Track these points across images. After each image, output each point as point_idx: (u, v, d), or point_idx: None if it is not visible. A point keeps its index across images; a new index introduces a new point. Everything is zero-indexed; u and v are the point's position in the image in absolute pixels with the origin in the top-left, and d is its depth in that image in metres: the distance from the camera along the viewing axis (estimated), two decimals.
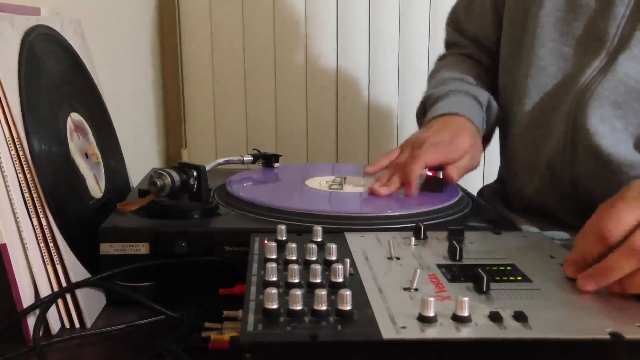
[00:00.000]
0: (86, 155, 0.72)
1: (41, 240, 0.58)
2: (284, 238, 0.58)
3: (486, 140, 0.98)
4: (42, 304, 0.56)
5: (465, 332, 0.41)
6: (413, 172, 0.77)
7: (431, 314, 0.42)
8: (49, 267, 0.58)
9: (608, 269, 0.47)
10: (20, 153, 0.57)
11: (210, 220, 0.69)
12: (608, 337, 0.40)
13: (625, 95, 0.77)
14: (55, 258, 0.58)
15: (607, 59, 0.79)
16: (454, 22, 1.05)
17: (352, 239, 0.61)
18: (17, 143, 0.57)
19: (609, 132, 0.78)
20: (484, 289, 0.47)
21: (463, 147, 0.82)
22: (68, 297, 0.59)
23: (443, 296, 0.47)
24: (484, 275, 0.48)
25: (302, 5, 1.45)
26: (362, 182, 0.84)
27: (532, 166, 0.87)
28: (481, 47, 1.01)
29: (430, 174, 0.89)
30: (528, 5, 0.87)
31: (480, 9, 0.99)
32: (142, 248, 0.64)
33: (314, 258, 0.53)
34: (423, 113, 0.94)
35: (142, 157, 1.32)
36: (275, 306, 0.43)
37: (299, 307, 0.43)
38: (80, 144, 0.71)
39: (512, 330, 0.41)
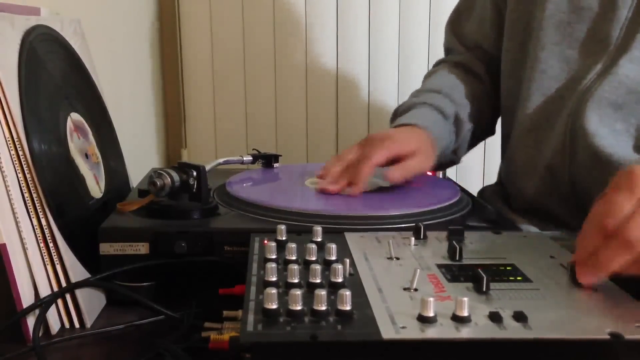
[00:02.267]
0: (86, 155, 0.72)
1: (41, 241, 0.58)
2: (283, 238, 0.58)
3: (458, 153, 0.98)
4: (42, 304, 0.56)
5: (465, 332, 0.41)
6: (362, 173, 0.77)
7: (431, 314, 0.42)
8: (49, 267, 0.58)
9: (604, 261, 0.47)
10: (20, 153, 0.57)
11: (210, 220, 0.69)
12: (608, 337, 0.40)
13: (625, 96, 0.77)
14: (55, 258, 0.58)
15: (608, 62, 0.79)
16: (454, 26, 1.05)
17: (352, 239, 0.60)
18: (17, 143, 0.57)
19: (609, 133, 0.78)
20: (484, 289, 0.47)
21: (412, 144, 0.82)
22: (68, 297, 0.59)
23: (443, 296, 0.47)
24: (483, 275, 0.48)
25: (302, 5, 1.45)
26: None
27: (533, 167, 0.87)
28: (478, 53, 1.01)
29: (430, 174, 0.89)
30: (531, 9, 0.87)
31: (481, 13, 0.99)
32: (142, 248, 0.64)
33: (314, 258, 0.53)
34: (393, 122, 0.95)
35: (142, 157, 1.32)
36: (275, 306, 0.43)
37: (299, 307, 0.43)
38: (80, 144, 0.71)
39: (512, 331, 0.41)
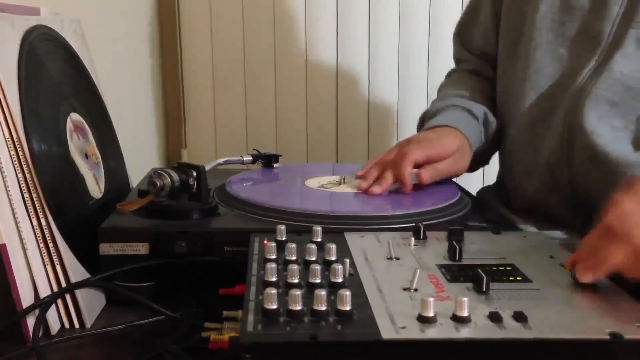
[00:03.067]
0: (86, 156, 0.72)
1: (41, 241, 0.58)
2: (283, 238, 0.58)
3: (487, 154, 0.99)
4: (41, 304, 0.56)
5: (465, 332, 0.41)
6: (404, 168, 0.78)
7: (431, 314, 0.42)
8: (49, 268, 0.58)
9: (603, 257, 0.48)
10: (20, 153, 0.57)
11: (210, 220, 0.69)
12: (608, 337, 0.41)
13: (622, 93, 0.77)
14: (55, 258, 0.58)
15: (602, 58, 0.79)
16: (461, 37, 1.06)
17: (351, 239, 0.61)
18: (17, 143, 0.57)
19: (607, 130, 0.78)
20: (484, 289, 0.47)
21: (448, 146, 0.84)
22: (68, 297, 0.59)
23: (443, 296, 0.47)
24: (483, 275, 0.48)
25: (302, 5, 1.45)
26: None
27: (531, 167, 0.87)
28: (487, 60, 1.01)
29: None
30: (524, 9, 0.88)
31: (484, 22, 1.00)
32: (142, 248, 0.64)
33: (314, 258, 0.53)
34: (421, 128, 0.95)
35: (142, 157, 1.31)
36: (275, 306, 0.43)
37: (299, 308, 0.43)
38: (80, 144, 0.71)
39: (512, 331, 0.41)
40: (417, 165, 0.81)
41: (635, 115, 0.78)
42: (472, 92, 0.97)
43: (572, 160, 0.81)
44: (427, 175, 0.81)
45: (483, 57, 1.02)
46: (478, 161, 0.98)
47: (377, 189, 0.78)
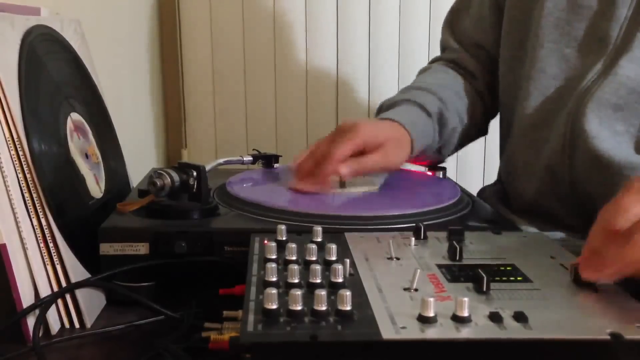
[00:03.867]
0: (86, 155, 0.72)
1: (41, 241, 0.58)
2: (284, 238, 0.58)
3: (447, 150, 0.97)
4: (42, 304, 0.56)
5: (465, 333, 0.41)
6: (324, 175, 0.77)
7: (431, 314, 0.42)
8: (49, 267, 0.58)
9: (608, 258, 0.47)
10: (20, 153, 0.57)
11: (210, 220, 0.69)
12: (608, 337, 0.40)
13: (627, 97, 0.77)
14: (55, 258, 0.58)
15: (608, 62, 0.78)
16: (450, 24, 1.05)
17: (352, 239, 0.60)
18: (17, 143, 0.57)
19: (609, 135, 0.78)
20: (484, 289, 0.47)
21: (379, 135, 0.80)
22: (68, 297, 0.59)
23: (443, 296, 0.47)
24: (484, 275, 0.48)
25: (302, 5, 1.45)
26: (360, 182, 0.84)
27: (532, 168, 0.87)
28: (474, 51, 1.01)
29: (430, 174, 0.89)
30: (530, 6, 0.87)
31: (478, 11, 0.99)
32: (142, 248, 0.64)
33: (314, 258, 0.53)
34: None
35: (142, 157, 1.32)
36: (275, 306, 0.43)
37: (299, 307, 0.43)
38: (80, 144, 0.71)
39: (512, 331, 0.41)
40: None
41: (639, 119, 0.77)
42: (437, 87, 0.94)
43: (573, 163, 0.81)
44: (348, 169, 0.78)
45: (471, 49, 1.01)
46: (434, 159, 0.97)
47: (299, 187, 0.78)
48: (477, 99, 0.98)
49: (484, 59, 1.00)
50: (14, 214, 0.56)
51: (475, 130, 1.00)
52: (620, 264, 0.47)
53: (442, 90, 0.94)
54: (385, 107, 0.93)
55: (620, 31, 0.78)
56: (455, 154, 1.04)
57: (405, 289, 0.48)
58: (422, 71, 1.05)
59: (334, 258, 0.53)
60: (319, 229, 0.58)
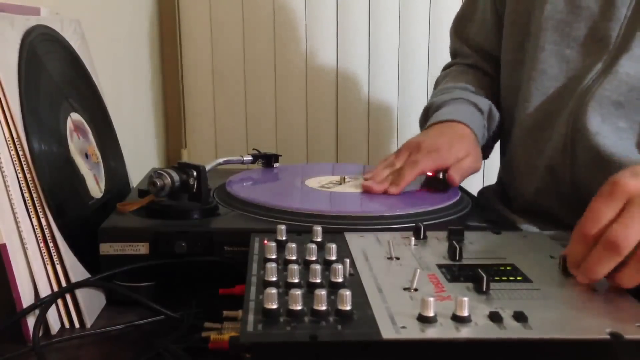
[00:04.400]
0: (86, 155, 0.72)
1: (41, 240, 0.58)
2: (283, 238, 0.58)
3: (489, 148, 0.99)
4: (42, 304, 0.56)
5: (465, 332, 0.41)
6: (406, 177, 0.78)
7: (431, 314, 0.42)
8: (49, 267, 0.58)
9: (591, 267, 0.48)
10: (20, 153, 0.57)
11: (210, 220, 0.69)
12: (608, 337, 0.40)
13: (627, 94, 0.77)
14: (55, 258, 0.58)
15: (609, 61, 0.79)
16: (458, 30, 1.06)
17: (352, 239, 0.60)
18: (17, 143, 0.57)
19: (611, 132, 0.78)
20: (484, 289, 0.47)
21: (459, 154, 0.83)
22: (68, 297, 0.59)
23: (443, 296, 0.47)
24: (483, 275, 0.48)
25: (302, 5, 1.45)
26: (361, 182, 0.84)
27: (533, 168, 0.87)
28: (485, 55, 1.01)
29: (430, 174, 0.89)
30: (530, 9, 0.87)
31: (482, 17, 1.00)
32: (142, 248, 0.64)
33: (314, 258, 0.53)
34: (425, 120, 0.95)
35: (142, 157, 1.32)
36: (275, 306, 0.43)
37: (299, 307, 0.43)
38: (80, 144, 0.71)
39: (512, 330, 0.41)
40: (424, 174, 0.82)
41: None
42: (474, 86, 0.96)
43: (575, 162, 0.81)
44: (458, 175, 0.81)
45: (480, 52, 1.02)
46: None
47: (375, 187, 0.78)
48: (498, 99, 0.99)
49: (494, 62, 1.00)
50: (14, 214, 0.56)
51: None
52: (604, 270, 0.47)
53: (479, 89, 0.96)
54: (435, 107, 0.94)
55: (620, 31, 0.78)
56: None
57: (405, 289, 0.48)
58: (445, 76, 1.05)
59: (334, 258, 0.53)
60: (319, 229, 0.59)
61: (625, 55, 0.77)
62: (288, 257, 0.53)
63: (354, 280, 0.50)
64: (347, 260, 0.52)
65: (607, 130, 0.78)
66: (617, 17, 0.78)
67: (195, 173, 0.70)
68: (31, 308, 0.56)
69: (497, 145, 1.01)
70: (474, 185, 1.09)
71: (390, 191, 0.78)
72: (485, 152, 0.98)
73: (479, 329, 0.41)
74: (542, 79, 0.85)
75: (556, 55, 0.83)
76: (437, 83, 1.06)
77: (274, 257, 0.53)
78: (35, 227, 0.57)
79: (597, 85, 0.78)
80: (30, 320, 0.56)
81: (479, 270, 0.49)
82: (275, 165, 0.95)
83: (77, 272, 0.61)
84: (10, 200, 0.55)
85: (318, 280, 0.48)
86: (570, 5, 0.82)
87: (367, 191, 0.79)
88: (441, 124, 0.88)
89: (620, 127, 0.78)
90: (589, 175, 0.79)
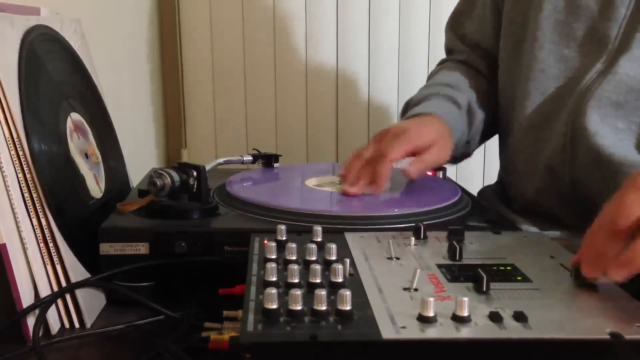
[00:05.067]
0: (86, 155, 0.72)
1: (41, 240, 0.58)
2: (283, 238, 0.58)
3: (471, 146, 0.98)
4: (42, 304, 0.56)
5: (465, 332, 0.41)
6: (382, 174, 0.76)
7: (431, 314, 0.42)
8: (49, 267, 0.58)
9: (630, 260, 0.45)
10: (20, 153, 0.57)
11: (210, 220, 0.69)
12: (608, 337, 0.40)
13: (626, 94, 0.77)
14: (55, 258, 0.58)
15: (608, 61, 0.78)
16: (454, 26, 1.05)
17: (352, 239, 0.60)
18: (17, 143, 0.57)
19: (610, 132, 0.78)
20: (484, 289, 0.47)
21: (427, 135, 0.81)
22: (68, 297, 0.59)
23: (443, 296, 0.47)
24: (483, 275, 0.48)
25: (302, 5, 1.45)
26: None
27: (532, 168, 0.87)
28: (480, 53, 1.01)
29: (430, 174, 0.89)
30: (528, 8, 0.87)
31: (481, 14, 0.99)
32: (142, 248, 0.64)
33: (314, 258, 0.53)
34: (403, 116, 0.95)
35: (142, 157, 1.32)
36: (275, 306, 0.43)
37: (299, 307, 0.43)
38: (80, 144, 0.71)
39: (512, 330, 0.41)
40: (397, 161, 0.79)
41: (639, 116, 0.77)
42: (459, 82, 0.96)
43: (574, 162, 0.81)
44: (415, 169, 0.79)
45: (476, 49, 1.01)
46: (462, 153, 0.98)
47: (353, 190, 0.76)
48: (490, 97, 0.98)
49: (489, 60, 1.00)
50: (14, 214, 0.56)
51: (491, 126, 1.00)
52: (625, 265, 0.46)
53: (463, 86, 0.95)
54: (414, 103, 0.93)
55: (620, 31, 0.78)
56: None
57: (405, 289, 0.48)
58: (435, 72, 1.04)
59: (334, 258, 0.53)
60: (319, 228, 0.59)
61: (625, 56, 0.77)
62: (288, 257, 0.53)
63: (354, 280, 0.50)
64: (347, 260, 0.52)
65: (606, 131, 0.78)
66: (616, 17, 0.78)
67: (195, 173, 0.70)
68: (31, 308, 0.56)
69: (497, 145, 1.01)
70: (474, 185, 1.09)
71: (374, 192, 0.76)
72: (468, 150, 0.99)
73: (479, 329, 0.41)
74: (541, 78, 0.84)
75: (555, 55, 0.83)
76: (428, 78, 1.06)
77: (274, 257, 0.53)
78: (35, 227, 0.57)
79: (597, 85, 0.78)
80: (30, 320, 0.56)
81: (479, 270, 0.49)
82: (275, 165, 0.95)
83: (77, 272, 0.61)
84: (10, 200, 0.55)
85: (318, 280, 0.48)
86: (570, 4, 0.82)
87: (346, 194, 0.77)
88: (414, 117, 0.87)
89: (619, 127, 0.78)
90: (589, 175, 0.79)
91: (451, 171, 1.44)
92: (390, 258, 0.55)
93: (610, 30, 0.78)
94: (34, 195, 0.57)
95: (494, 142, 1.03)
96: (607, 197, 0.50)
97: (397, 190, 0.80)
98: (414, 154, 0.80)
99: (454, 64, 1.02)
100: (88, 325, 0.60)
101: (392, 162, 0.77)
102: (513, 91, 0.90)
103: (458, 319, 0.42)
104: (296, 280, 0.48)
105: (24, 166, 0.57)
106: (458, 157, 0.98)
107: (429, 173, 0.93)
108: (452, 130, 0.87)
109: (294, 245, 0.54)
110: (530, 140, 0.87)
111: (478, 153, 1.47)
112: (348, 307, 0.43)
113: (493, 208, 0.82)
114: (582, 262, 0.49)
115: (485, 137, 1.01)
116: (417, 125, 0.83)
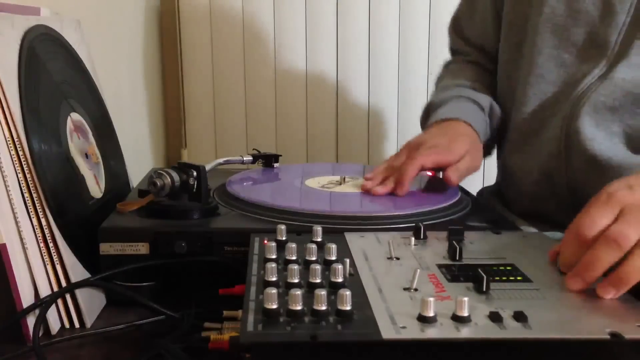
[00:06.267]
0: (86, 155, 0.72)
1: (41, 241, 0.58)
2: (283, 238, 0.58)
3: (491, 144, 0.98)
4: (42, 304, 0.56)
5: (465, 332, 0.41)
6: (407, 173, 0.77)
7: (431, 314, 0.42)
8: (49, 267, 0.58)
9: (589, 262, 0.48)
10: (20, 153, 0.57)
11: (210, 220, 0.69)
12: (608, 337, 0.40)
13: (622, 98, 0.77)
14: (55, 258, 0.58)
15: (606, 67, 0.78)
16: (457, 28, 1.05)
17: (352, 239, 0.60)
18: (17, 143, 0.57)
19: (605, 136, 0.78)
20: (484, 289, 0.47)
21: (459, 151, 0.82)
22: (68, 297, 0.59)
23: (443, 296, 0.47)
24: (483, 275, 0.48)
25: (302, 5, 1.45)
26: (361, 182, 0.84)
27: (529, 171, 0.87)
28: (486, 53, 1.01)
29: (430, 174, 0.89)
30: (527, 11, 0.86)
31: (482, 16, 0.99)
32: (142, 248, 0.64)
33: (314, 258, 0.53)
34: (426, 119, 0.95)
35: (142, 157, 1.32)
36: (275, 306, 0.43)
37: (299, 307, 0.43)
38: (80, 144, 0.71)
39: (512, 330, 0.41)
40: (424, 169, 0.80)
41: (634, 119, 0.77)
42: (475, 83, 0.96)
43: (570, 166, 0.80)
44: (455, 176, 0.80)
45: (481, 51, 1.01)
46: (485, 154, 0.97)
47: (379, 189, 0.77)
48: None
49: (494, 59, 1.00)
50: (14, 214, 0.56)
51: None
52: (605, 265, 0.48)
53: (480, 86, 0.95)
54: (437, 105, 0.93)
55: (619, 37, 0.78)
56: None
57: (405, 289, 0.48)
58: (446, 73, 1.04)
59: (334, 258, 0.53)
60: (319, 228, 0.59)
61: (623, 62, 0.76)
62: (288, 257, 0.53)
63: (354, 280, 0.50)
64: (347, 260, 0.52)
65: (600, 135, 0.78)
66: (616, 23, 0.78)
67: (195, 173, 0.70)
68: (31, 308, 0.56)
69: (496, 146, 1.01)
70: (474, 185, 1.09)
71: (397, 193, 0.77)
72: (488, 150, 0.98)
73: (479, 329, 0.41)
74: (539, 83, 0.84)
75: (554, 60, 0.83)
76: (438, 80, 1.05)
77: (274, 257, 0.53)
78: (35, 227, 0.57)
79: (593, 90, 0.78)
80: (30, 320, 0.56)
81: (479, 270, 0.49)
82: (275, 165, 0.95)
83: (77, 272, 0.61)
84: (10, 200, 0.55)
85: (318, 280, 0.48)
86: (569, 9, 0.81)
87: (369, 193, 0.78)
88: (442, 123, 0.87)
89: (614, 131, 0.78)
90: (585, 179, 0.79)
91: None
92: (390, 258, 0.55)
93: (610, 36, 0.78)
94: (34, 195, 0.57)
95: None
96: None
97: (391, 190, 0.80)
98: (442, 165, 0.81)
99: (464, 63, 1.02)
100: (88, 325, 0.60)
101: (420, 165, 0.78)
102: (511, 94, 0.90)
103: (458, 319, 0.42)
104: (296, 280, 0.48)
105: (24, 166, 0.57)
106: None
107: (429, 173, 0.93)
108: (479, 134, 0.88)
109: (294, 245, 0.54)
110: (526, 145, 0.87)
111: None
112: (348, 307, 0.43)
113: (493, 208, 0.82)
114: (565, 275, 0.50)
115: (499, 136, 1.01)
116: (448, 140, 0.83)
